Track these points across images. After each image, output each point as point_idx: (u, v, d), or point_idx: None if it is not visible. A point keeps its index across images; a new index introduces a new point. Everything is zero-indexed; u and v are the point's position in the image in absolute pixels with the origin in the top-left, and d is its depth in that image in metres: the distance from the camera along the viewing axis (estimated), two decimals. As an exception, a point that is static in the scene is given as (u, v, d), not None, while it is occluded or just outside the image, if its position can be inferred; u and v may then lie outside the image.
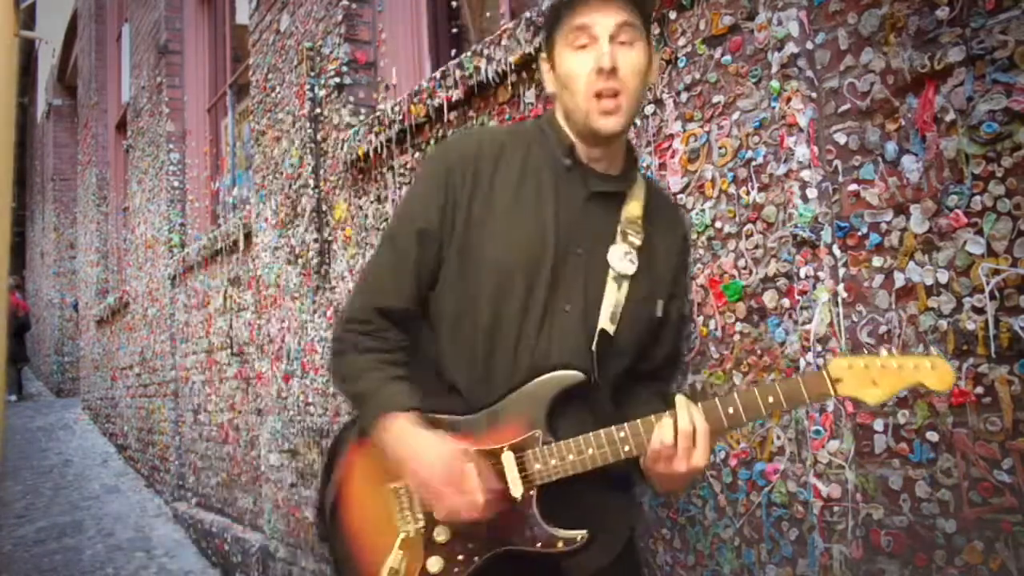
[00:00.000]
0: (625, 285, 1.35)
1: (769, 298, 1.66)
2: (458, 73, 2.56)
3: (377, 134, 2.98)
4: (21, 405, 11.37)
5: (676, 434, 1.23)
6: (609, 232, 1.37)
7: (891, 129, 1.48)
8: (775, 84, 1.63)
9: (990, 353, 1.34)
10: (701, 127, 1.81)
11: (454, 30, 3.25)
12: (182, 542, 5.11)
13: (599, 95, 1.28)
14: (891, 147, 1.48)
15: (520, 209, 1.34)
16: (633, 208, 1.39)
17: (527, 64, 2.30)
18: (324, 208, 3.45)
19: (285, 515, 3.81)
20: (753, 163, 1.69)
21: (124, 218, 7.83)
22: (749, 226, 1.70)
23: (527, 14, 2.28)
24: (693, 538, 1.81)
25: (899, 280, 1.47)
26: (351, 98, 3.29)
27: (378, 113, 3.05)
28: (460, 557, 1.29)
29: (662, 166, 1.90)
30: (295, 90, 3.63)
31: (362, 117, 3.25)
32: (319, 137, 3.46)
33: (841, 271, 1.56)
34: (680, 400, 1.26)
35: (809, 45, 1.61)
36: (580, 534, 1.27)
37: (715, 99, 1.77)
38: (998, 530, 1.33)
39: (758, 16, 1.67)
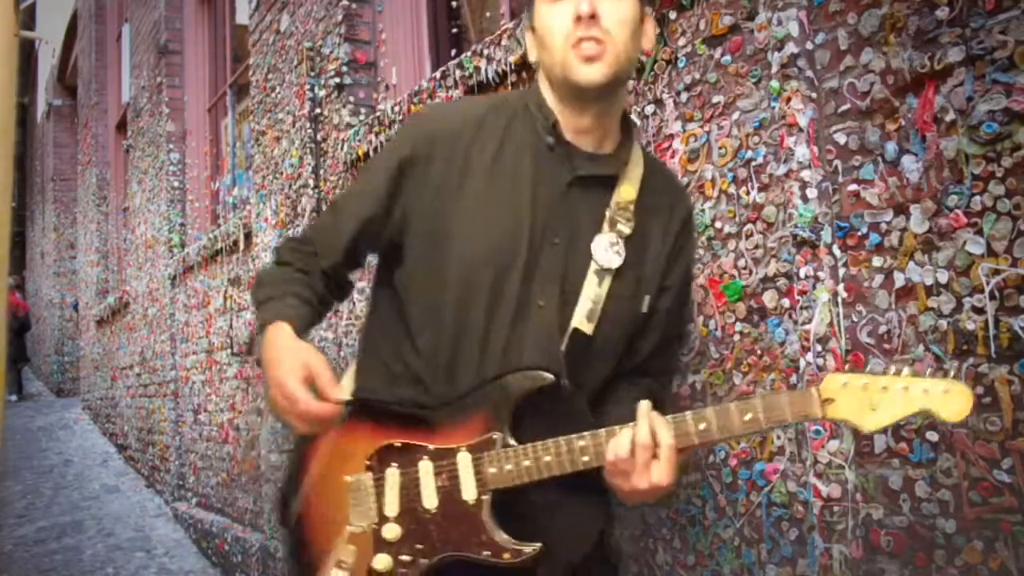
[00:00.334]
0: (608, 279, 1.24)
1: (769, 298, 1.66)
2: (458, 73, 2.56)
3: (377, 134, 2.98)
4: (21, 405, 11.36)
5: (633, 447, 1.13)
6: (596, 219, 1.26)
7: (891, 129, 1.48)
8: (775, 84, 1.63)
9: (990, 353, 1.34)
10: (701, 127, 1.81)
11: (454, 30, 3.25)
12: (182, 542, 5.10)
13: (578, 43, 1.17)
14: (891, 147, 1.48)
15: (493, 194, 1.24)
16: (626, 191, 1.27)
17: (527, 64, 2.30)
18: (324, 208, 3.45)
19: (285, 515, 3.81)
20: (753, 163, 1.69)
21: (124, 218, 7.83)
22: (749, 226, 1.70)
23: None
24: (693, 538, 1.81)
25: (899, 280, 1.46)
26: (351, 98, 3.29)
27: (378, 113, 3.04)
28: (407, 558, 1.22)
29: (662, 166, 1.90)
30: (295, 90, 3.63)
31: (362, 117, 3.25)
32: (319, 137, 3.46)
33: (841, 271, 1.56)
34: (642, 409, 1.15)
35: (809, 45, 1.61)
36: (533, 547, 1.18)
37: (715, 99, 1.77)
38: (998, 530, 1.33)
39: (758, 16, 1.67)
